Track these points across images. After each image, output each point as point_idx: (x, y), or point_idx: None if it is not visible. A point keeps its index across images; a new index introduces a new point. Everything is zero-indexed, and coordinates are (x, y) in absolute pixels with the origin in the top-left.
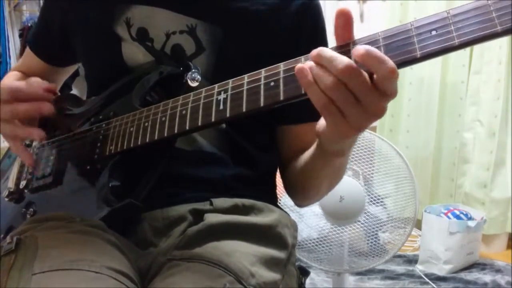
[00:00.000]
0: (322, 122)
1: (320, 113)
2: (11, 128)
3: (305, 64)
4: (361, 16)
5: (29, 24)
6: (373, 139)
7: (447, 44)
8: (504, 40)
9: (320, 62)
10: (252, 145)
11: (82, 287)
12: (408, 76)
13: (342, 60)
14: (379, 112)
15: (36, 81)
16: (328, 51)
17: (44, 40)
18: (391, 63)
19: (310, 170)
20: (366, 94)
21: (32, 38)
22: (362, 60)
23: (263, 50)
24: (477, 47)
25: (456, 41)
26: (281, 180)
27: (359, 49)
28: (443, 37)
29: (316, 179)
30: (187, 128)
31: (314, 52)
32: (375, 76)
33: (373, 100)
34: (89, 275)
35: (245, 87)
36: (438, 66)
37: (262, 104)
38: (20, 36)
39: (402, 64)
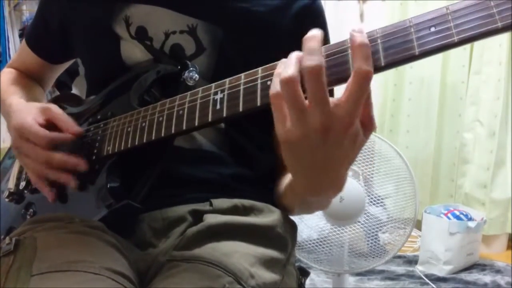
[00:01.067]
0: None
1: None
2: (43, 172)
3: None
4: (361, 16)
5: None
6: (373, 140)
7: (446, 41)
8: (504, 40)
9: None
10: (252, 144)
11: None
12: (408, 76)
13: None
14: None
15: (65, 122)
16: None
17: (42, 37)
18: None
19: (285, 199)
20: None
21: (29, 34)
22: (354, 46)
23: (263, 51)
24: (477, 47)
25: (456, 38)
26: None
27: (357, 36)
28: (442, 34)
29: (291, 210)
30: (184, 128)
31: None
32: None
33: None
34: (88, 276)
35: (241, 87)
36: (438, 66)
37: (258, 104)
38: (20, 36)
39: (400, 61)
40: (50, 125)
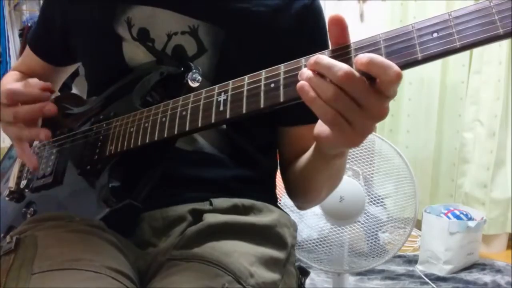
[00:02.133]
0: (322, 129)
1: (328, 126)
2: (16, 131)
3: (304, 76)
4: (361, 16)
5: (29, 24)
6: (373, 139)
7: (448, 46)
8: (504, 40)
9: (319, 70)
10: (252, 146)
11: (81, 287)
12: (408, 76)
13: (341, 67)
14: (382, 114)
15: (33, 81)
16: (325, 59)
17: (44, 40)
18: (396, 68)
19: (310, 173)
20: (368, 98)
21: (32, 37)
22: (366, 68)
23: (264, 51)
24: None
25: (458, 44)
26: (282, 181)
27: (362, 58)
28: (444, 39)
29: (316, 182)
30: (187, 129)
31: (312, 60)
32: (378, 80)
33: (375, 103)
34: (88, 275)
35: (245, 88)
36: (438, 66)
37: (262, 106)
38: (20, 36)
39: (403, 66)
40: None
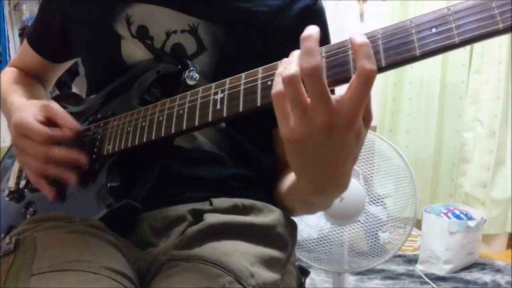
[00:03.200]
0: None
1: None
2: (42, 168)
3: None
4: (361, 16)
5: (29, 24)
6: (373, 139)
7: (447, 42)
8: (504, 40)
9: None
10: (252, 144)
11: None
12: (408, 76)
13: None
14: (350, 123)
15: (64, 120)
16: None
17: (43, 36)
18: (374, 66)
19: (287, 196)
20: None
21: (31, 33)
22: (356, 47)
23: (264, 51)
24: (477, 47)
25: (457, 39)
26: None
27: (358, 38)
28: (443, 34)
29: (290, 206)
30: (184, 128)
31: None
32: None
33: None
34: (88, 276)
35: (242, 87)
36: (438, 65)
37: (259, 104)
38: (20, 35)
39: (401, 62)
40: (50, 122)
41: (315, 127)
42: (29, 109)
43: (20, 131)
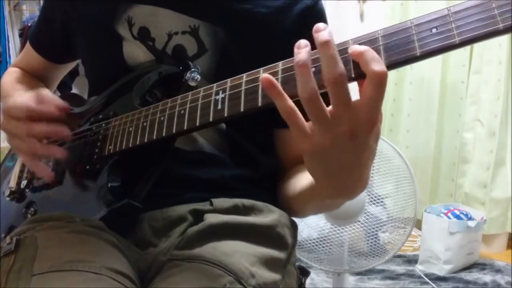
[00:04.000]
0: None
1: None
2: (28, 146)
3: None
4: (361, 16)
5: (29, 24)
6: None
7: (447, 42)
8: (504, 40)
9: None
10: (253, 145)
11: None
12: (408, 76)
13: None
14: (371, 122)
15: (48, 98)
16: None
17: (45, 37)
18: (383, 66)
19: (299, 199)
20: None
21: (33, 34)
22: (358, 58)
23: (265, 52)
24: (477, 47)
25: (457, 39)
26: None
27: (357, 48)
28: (443, 35)
29: (301, 208)
30: (185, 128)
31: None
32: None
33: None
34: (88, 276)
35: (243, 87)
36: (438, 65)
37: (260, 104)
38: (20, 36)
39: (402, 62)
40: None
41: (340, 135)
42: (20, 95)
43: (5, 114)
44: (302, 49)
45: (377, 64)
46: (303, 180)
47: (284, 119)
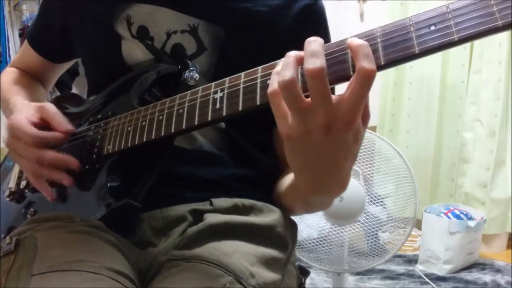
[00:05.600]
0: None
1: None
2: (36, 169)
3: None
4: (361, 16)
5: (29, 24)
6: (373, 139)
7: (446, 39)
8: (504, 39)
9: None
10: (252, 145)
11: None
12: (408, 76)
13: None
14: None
15: (56, 121)
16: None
17: (44, 36)
18: (373, 66)
19: (285, 197)
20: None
21: (31, 32)
22: (353, 49)
23: (265, 51)
24: (477, 47)
25: (456, 37)
26: None
27: (355, 40)
28: (442, 32)
29: (292, 210)
30: (183, 127)
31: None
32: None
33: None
34: (88, 276)
35: (241, 86)
36: (438, 65)
37: (258, 103)
38: (20, 35)
39: (400, 60)
40: (45, 124)
41: (314, 126)
42: (24, 111)
43: (12, 133)
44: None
45: (367, 62)
46: (289, 177)
47: (269, 97)
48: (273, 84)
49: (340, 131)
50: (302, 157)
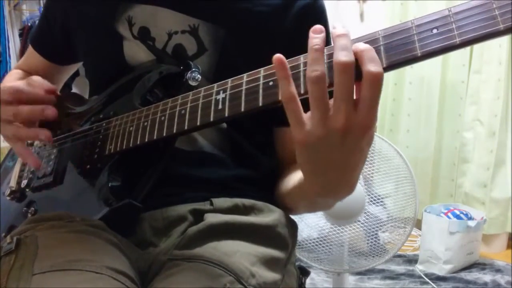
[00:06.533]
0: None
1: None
2: (14, 130)
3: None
4: (361, 16)
5: (29, 24)
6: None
7: (448, 42)
8: (504, 40)
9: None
10: (253, 145)
11: (82, 287)
12: (408, 76)
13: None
14: (368, 123)
15: (37, 81)
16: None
17: (47, 38)
18: (380, 68)
19: (290, 199)
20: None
21: (35, 36)
22: (358, 55)
23: (265, 51)
24: (477, 47)
25: (458, 40)
26: None
27: (360, 45)
28: (444, 35)
29: (293, 206)
30: (185, 128)
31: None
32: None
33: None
34: (89, 275)
35: (244, 87)
36: (438, 65)
37: (260, 104)
38: (20, 35)
39: (402, 63)
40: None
41: (333, 129)
42: (10, 81)
43: None
44: (318, 34)
45: (374, 65)
46: (295, 177)
47: (283, 104)
48: (289, 89)
49: (356, 136)
50: (315, 162)
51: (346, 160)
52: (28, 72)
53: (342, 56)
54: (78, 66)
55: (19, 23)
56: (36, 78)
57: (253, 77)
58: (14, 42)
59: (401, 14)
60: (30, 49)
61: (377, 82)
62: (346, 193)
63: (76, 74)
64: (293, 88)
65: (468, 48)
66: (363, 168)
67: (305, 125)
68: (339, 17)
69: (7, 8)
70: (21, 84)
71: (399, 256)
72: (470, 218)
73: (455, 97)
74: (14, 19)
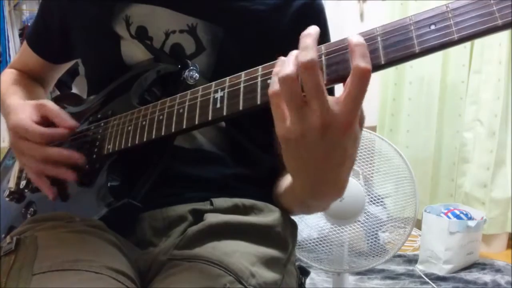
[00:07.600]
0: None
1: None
2: (42, 168)
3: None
4: (361, 16)
5: (29, 24)
6: (373, 139)
7: (446, 39)
8: (504, 39)
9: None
10: (253, 144)
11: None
12: (408, 76)
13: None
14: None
15: (58, 117)
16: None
17: (43, 37)
18: (369, 65)
19: (283, 197)
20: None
21: (31, 34)
22: (352, 47)
23: (263, 50)
24: (477, 46)
25: (456, 36)
26: None
27: (354, 37)
28: (442, 31)
29: (290, 210)
30: (184, 126)
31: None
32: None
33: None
34: (89, 275)
35: (242, 85)
36: (438, 65)
37: (258, 102)
38: (20, 35)
39: (401, 59)
40: (46, 121)
41: (310, 126)
42: (25, 110)
43: (17, 133)
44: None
45: (363, 61)
46: (288, 178)
47: (269, 97)
48: (274, 85)
49: (336, 133)
50: (298, 159)
51: (328, 158)
52: (22, 71)
53: (302, 56)
54: (71, 64)
55: (19, 23)
56: (59, 113)
57: (251, 76)
58: (14, 42)
59: (401, 14)
60: (24, 47)
61: (363, 78)
62: (334, 195)
63: (76, 74)
64: (277, 84)
65: (468, 48)
66: (351, 170)
67: (286, 121)
68: (339, 17)
69: (7, 8)
70: (44, 129)
71: (399, 256)
72: (470, 218)
73: (455, 97)
74: (14, 19)
